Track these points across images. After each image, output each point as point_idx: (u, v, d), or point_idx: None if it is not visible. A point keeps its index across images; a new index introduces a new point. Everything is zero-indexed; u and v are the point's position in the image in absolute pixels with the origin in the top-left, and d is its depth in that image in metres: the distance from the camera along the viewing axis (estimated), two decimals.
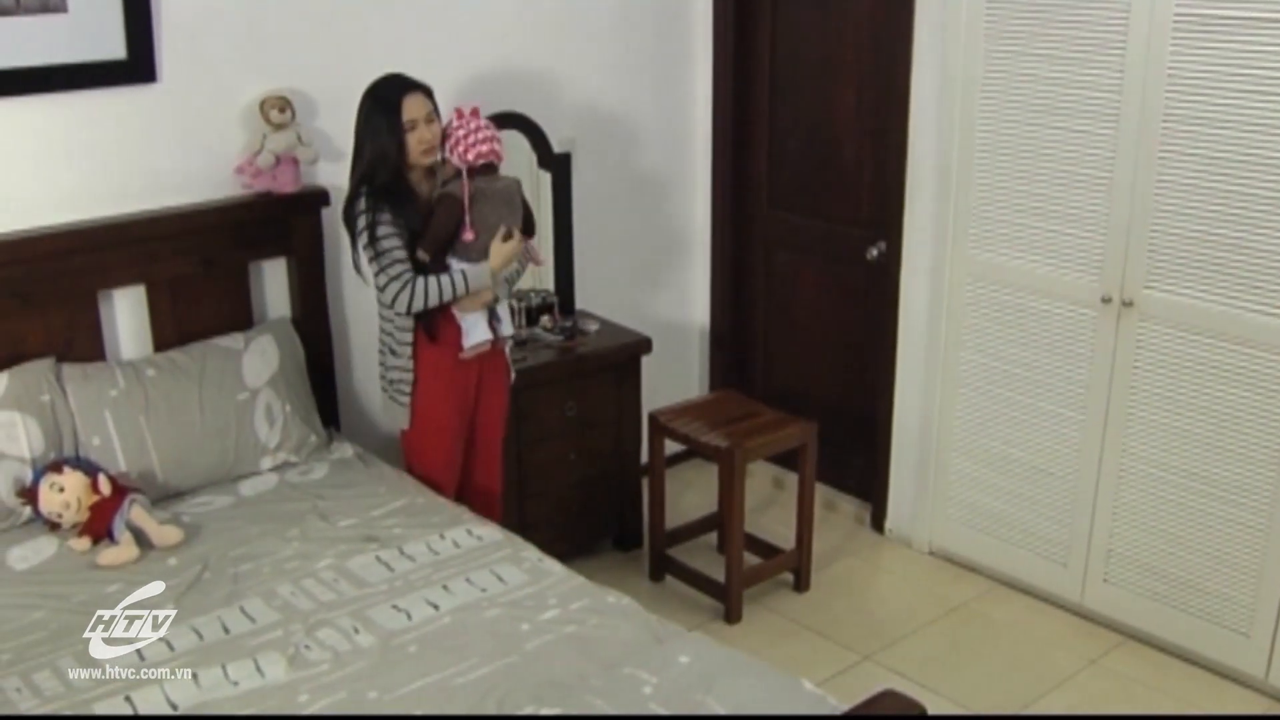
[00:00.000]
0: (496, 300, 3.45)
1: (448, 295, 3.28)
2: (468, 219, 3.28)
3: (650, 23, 4.54)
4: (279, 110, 3.58)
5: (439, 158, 3.35)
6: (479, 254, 3.33)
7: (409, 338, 3.39)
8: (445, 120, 3.38)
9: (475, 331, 3.41)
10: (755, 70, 4.65)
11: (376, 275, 3.28)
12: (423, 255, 3.29)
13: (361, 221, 3.26)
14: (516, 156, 4.23)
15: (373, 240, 3.25)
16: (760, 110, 4.68)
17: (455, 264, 3.34)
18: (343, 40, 3.77)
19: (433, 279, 3.26)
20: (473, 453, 3.66)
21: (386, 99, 3.26)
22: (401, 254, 3.25)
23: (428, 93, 3.32)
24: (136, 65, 3.42)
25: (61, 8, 3.28)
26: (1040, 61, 3.67)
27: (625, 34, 4.48)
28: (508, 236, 3.36)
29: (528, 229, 3.52)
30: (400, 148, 3.26)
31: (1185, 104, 3.39)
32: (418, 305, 3.27)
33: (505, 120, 4.11)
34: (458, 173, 3.31)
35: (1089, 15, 3.53)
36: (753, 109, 4.70)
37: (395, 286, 3.25)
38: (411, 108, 3.26)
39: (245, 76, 3.60)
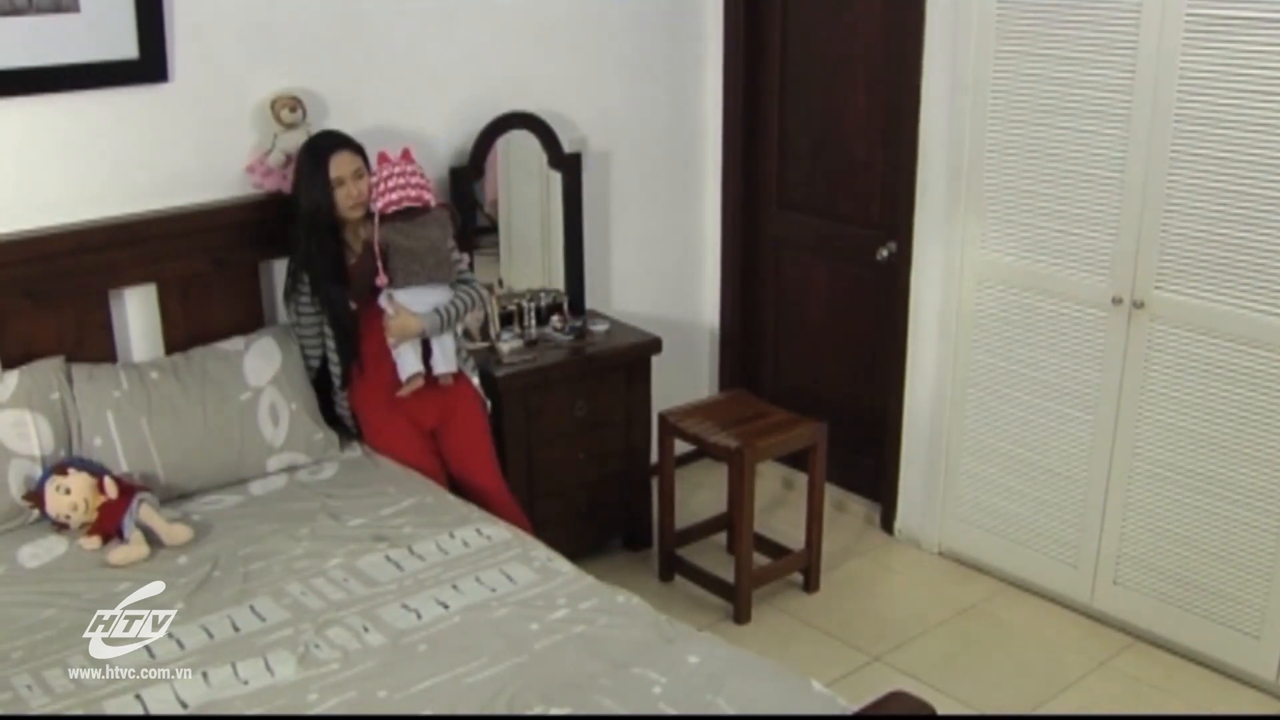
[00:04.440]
0: (425, 333, 3.49)
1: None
2: (379, 265, 3.42)
3: (661, 24, 4.54)
4: (290, 110, 3.58)
5: (363, 214, 3.47)
6: (404, 282, 3.46)
7: (337, 382, 3.65)
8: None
9: (405, 364, 3.51)
10: (765, 71, 4.65)
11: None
12: (352, 305, 3.49)
13: (289, 289, 3.59)
14: (527, 157, 4.24)
15: (296, 314, 3.62)
16: (770, 111, 4.68)
17: (382, 299, 3.47)
18: (354, 40, 3.78)
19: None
20: (456, 475, 3.71)
21: (317, 155, 3.43)
22: (305, 321, 3.62)
23: (356, 150, 3.46)
24: (148, 65, 3.42)
25: (74, 7, 3.28)
26: (1051, 61, 3.67)
27: (636, 35, 4.48)
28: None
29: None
30: (328, 203, 3.42)
31: (1196, 103, 3.38)
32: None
33: (515, 120, 4.12)
34: (377, 220, 3.44)
35: (1099, 14, 3.52)
36: (763, 109, 4.70)
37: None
38: (338, 165, 3.42)
39: (256, 76, 3.61)
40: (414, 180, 3.46)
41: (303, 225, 3.45)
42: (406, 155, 3.50)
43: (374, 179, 3.46)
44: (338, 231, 3.49)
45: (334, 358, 3.61)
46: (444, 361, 3.56)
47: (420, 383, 3.53)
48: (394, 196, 3.42)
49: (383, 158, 3.48)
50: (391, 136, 3.71)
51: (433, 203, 3.53)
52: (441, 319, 3.50)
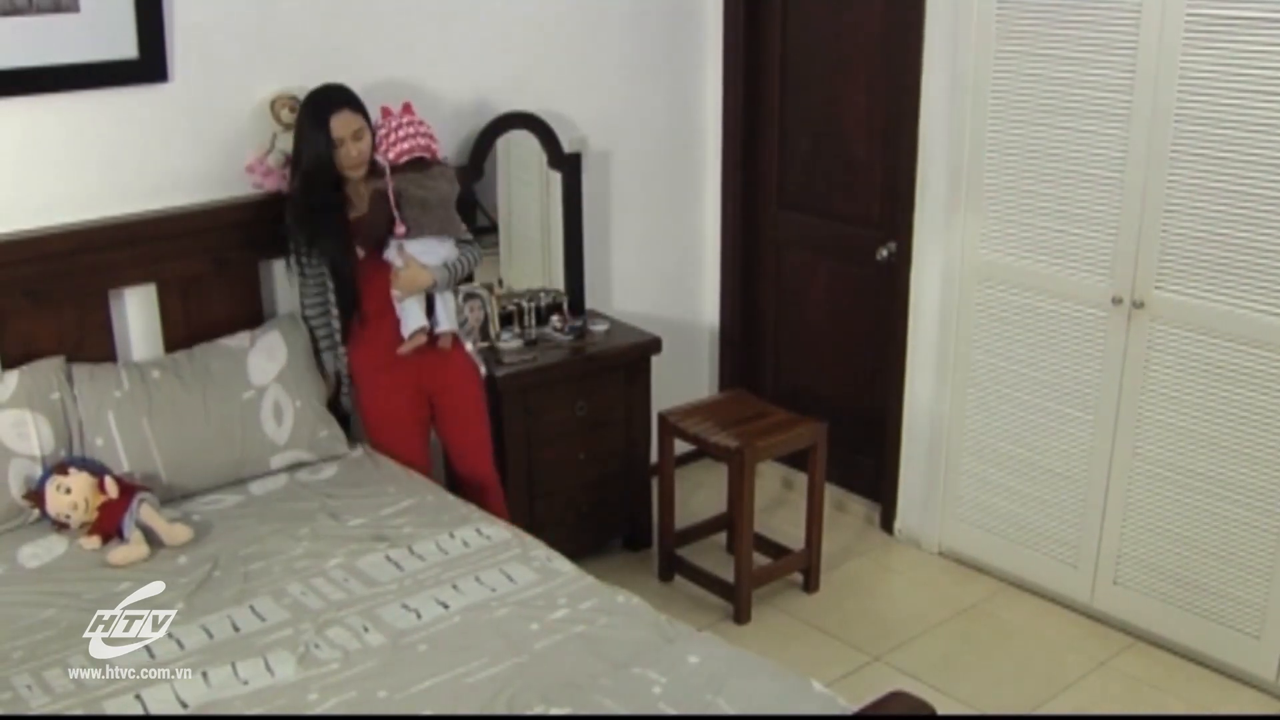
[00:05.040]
0: (435, 286, 3.49)
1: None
2: (396, 215, 3.40)
3: (661, 24, 4.54)
4: (289, 110, 3.58)
5: (365, 172, 3.46)
6: (416, 233, 3.45)
7: (337, 337, 3.61)
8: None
9: (410, 319, 3.49)
10: (765, 70, 4.65)
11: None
12: (360, 251, 3.46)
13: (291, 249, 3.56)
14: (527, 157, 4.24)
15: (297, 263, 3.57)
16: (770, 110, 4.68)
17: (390, 252, 3.45)
18: (354, 40, 3.78)
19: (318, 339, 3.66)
20: (451, 454, 3.75)
21: (317, 115, 3.40)
22: (308, 292, 3.62)
23: (357, 107, 3.42)
24: (148, 65, 3.42)
25: (73, 7, 3.28)
26: (1051, 61, 3.67)
27: (636, 35, 4.48)
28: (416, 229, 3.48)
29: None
30: (329, 162, 3.40)
31: (1196, 103, 3.38)
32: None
33: (515, 120, 4.12)
34: (389, 170, 3.42)
35: (1099, 14, 3.52)
36: (763, 109, 4.70)
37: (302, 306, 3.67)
38: (338, 126, 3.39)
39: (256, 76, 3.61)
40: (422, 130, 3.46)
41: (303, 178, 3.43)
42: (407, 108, 3.49)
43: (381, 131, 3.45)
44: (339, 185, 3.46)
45: (334, 311, 3.58)
46: (446, 319, 3.56)
47: (424, 339, 3.51)
48: (405, 146, 3.42)
49: (386, 112, 3.47)
50: None
51: (440, 154, 3.53)
52: (450, 274, 3.50)
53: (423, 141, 3.45)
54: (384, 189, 3.40)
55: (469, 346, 3.69)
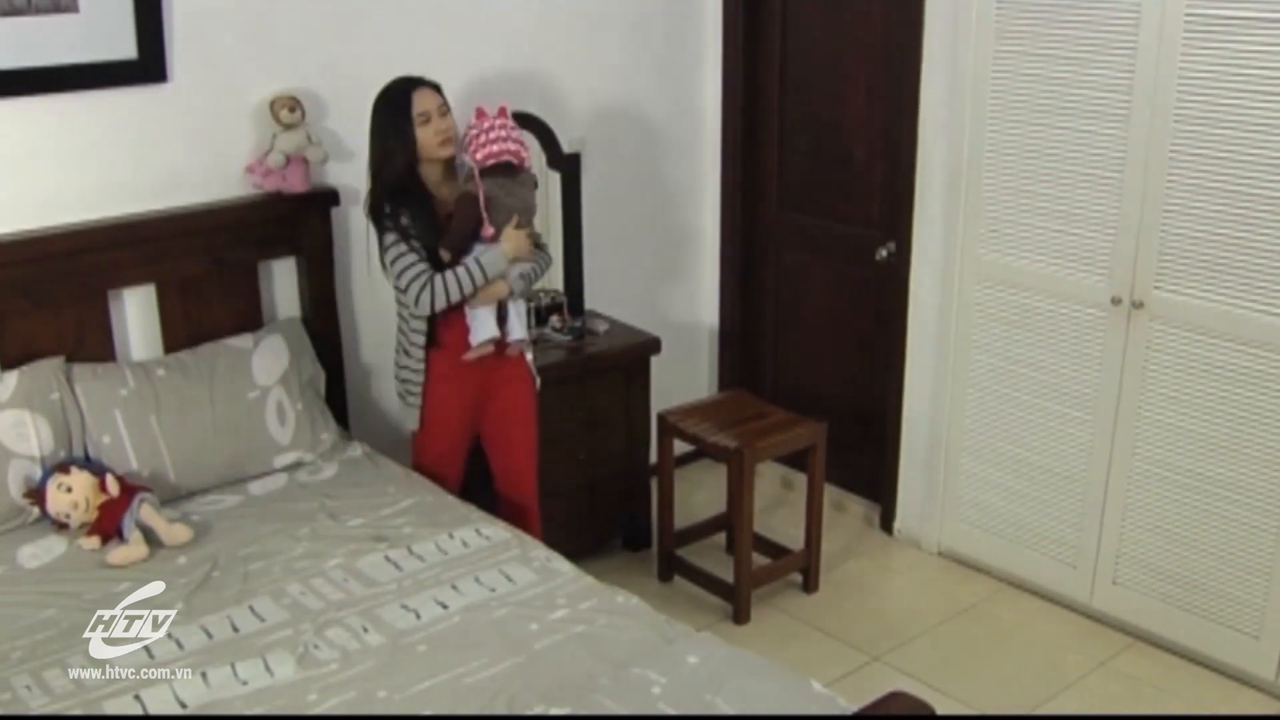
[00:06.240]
0: (511, 296, 3.43)
1: (467, 285, 3.30)
2: (485, 216, 3.31)
3: (661, 23, 4.55)
4: (289, 110, 3.58)
5: (453, 153, 3.37)
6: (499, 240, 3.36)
7: (421, 340, 3.43)
8: (466, 119, 3.42)
9: (481, 328, 3.40)
10: (765, 70, 4.65)
11: (397, 285, 3.33)
12: (444, 254, 3.33)
13: (381, 238, 3.33)
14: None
15: (384, 259, 3.34)
16: (770, 110, 4.68)
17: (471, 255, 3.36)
18: (353, 40, 3.78)
19: (449, 273, 3.29)
20: (496, 466, 3.69)
21: (395, 98, 3.31)
22: (412, 258, 3.28)
23: (436, 88, 3.36)
24: (147, 65, 3.42)
25: (72, 7, 3.28)
26: (1050, 61, 3.67)
27: (636, 34, 4.48)
28: (519, 226, 3.38)
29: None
30: (410, 144, 3.29)
31: (1195, 103, 3.38)
32: (440, 302, 3.29)
33: (515, 120, 4.11)
34: (478, 172, 3.34)
35: (1099, 14, 3.52)
36: (763, 109, 4.70)
37: (415, 288, 3.28)
38: (421, 101, 3.31)
39: (255, 76, 3.61)
40: (514, 135, 3.36)
41: (385, 182, 3.30)
42: (503, 111, 3.40)
43: (472, 131, 3.35)
44: (421, 186, 3.34)
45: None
46: (520, 328, 3.48)
47: (491, 348, 3.43)
48: (495, 149, 3.31)
49: (480, 113, 3.37)
50: None
51: (528, 163, 3.44)
52: (525, 284, 3.43)
53: (513, 146, 3.34)
54: (472, 191, 3.31)
55: (529, 356, 3.63)
